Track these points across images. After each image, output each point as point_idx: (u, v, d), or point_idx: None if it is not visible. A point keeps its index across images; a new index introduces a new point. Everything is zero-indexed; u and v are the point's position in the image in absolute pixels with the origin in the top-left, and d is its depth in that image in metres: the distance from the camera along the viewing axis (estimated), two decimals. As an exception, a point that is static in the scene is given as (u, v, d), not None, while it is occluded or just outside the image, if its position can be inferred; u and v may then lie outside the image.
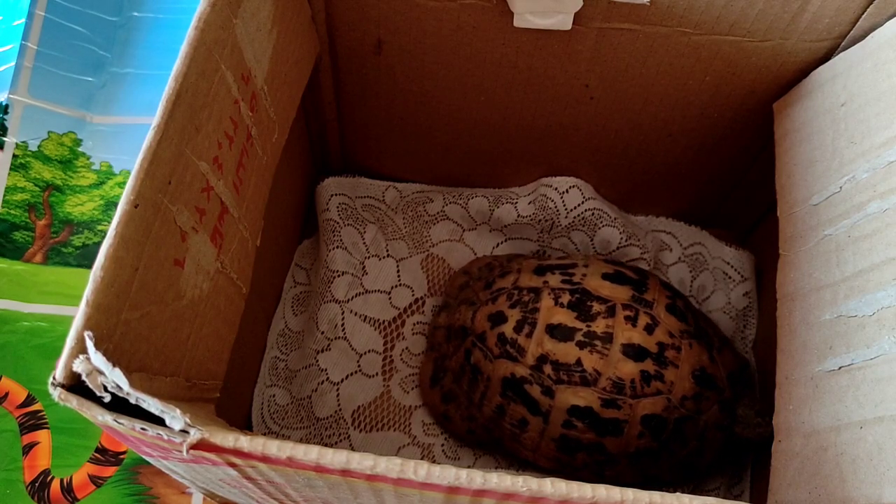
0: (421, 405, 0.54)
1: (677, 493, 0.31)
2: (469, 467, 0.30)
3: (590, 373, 0.46)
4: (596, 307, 0.47)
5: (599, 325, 0.46)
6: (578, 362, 0.46)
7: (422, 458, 0.52)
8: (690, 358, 0.47)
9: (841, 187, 0.38)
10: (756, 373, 0.53)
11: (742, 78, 0.45)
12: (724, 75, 0.45)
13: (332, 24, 0.48)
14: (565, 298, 0.48)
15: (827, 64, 0.42)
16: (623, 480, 0.48)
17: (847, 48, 0.41)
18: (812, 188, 0.41)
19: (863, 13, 0.40)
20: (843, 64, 0.41)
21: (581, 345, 0.46)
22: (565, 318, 0.47)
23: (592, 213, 0.56)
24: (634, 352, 0.46)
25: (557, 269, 0.50)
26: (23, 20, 0.60)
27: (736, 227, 0.59)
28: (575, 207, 0.56)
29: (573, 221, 0.56)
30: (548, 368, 0.46)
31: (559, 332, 0.47)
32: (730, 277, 0.57)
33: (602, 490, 0.31)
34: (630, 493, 0.31)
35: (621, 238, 0.56)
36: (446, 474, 0.30)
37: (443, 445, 0.54)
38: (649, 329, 0.46)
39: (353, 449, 0.30)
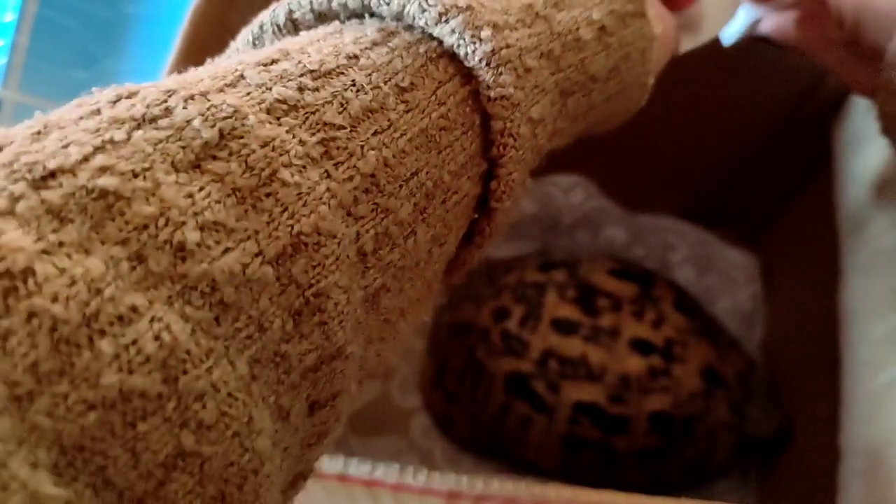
0: (420, 409, 0.54)
1: (683, 499, 0.31)
2: (470, 472, 0.30)
3: (596, 367, 0.45)
4: (602, 302, 0.47)
5: (605, 320, 0.46)
6: (584, 357, 0.45)
7: (421, 464, 0.52)
8: (698, 354, 0.46)
9: (892, 198, 0.38)
10: (764, 374, 0.53)
11: (749, 79, 0.45)
12: (731, 76, 0.45)
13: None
14: (571, 293, 0.47)
15: None
16: (630, 483, 0.47)
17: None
18: (863, 200, 0.40)
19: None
20: None
21: (587, 339, 0.45)
22: (571, 312, 0.46)
23: (596, 212, 0.56)
24: (641, 346, 0.45)
25: (562, 265, 0.50)
26: (14, 16, 0.60)
27: (743, 227, 0.59)
28: (579, 206, 0.55)
29: (577, 220, 0.56)
30: (553, 363, 0.46)
31: (564, 327, 0.46)
32: (736, 279, 0.56)
33: (608, 495, 0.30)
34: (637, 498, 0.30)
35: (626, 237, 0.55)
36: (446, 480, 0.29)
37: (443, 450, 0.53)
38: (656, 324, 0.46)
39: (350, 454, 0.30)
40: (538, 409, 0.46)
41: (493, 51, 0.23)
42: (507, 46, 0.23)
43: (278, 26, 0.25)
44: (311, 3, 0.24)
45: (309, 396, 0.19)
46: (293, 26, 0.25)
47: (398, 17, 0.23)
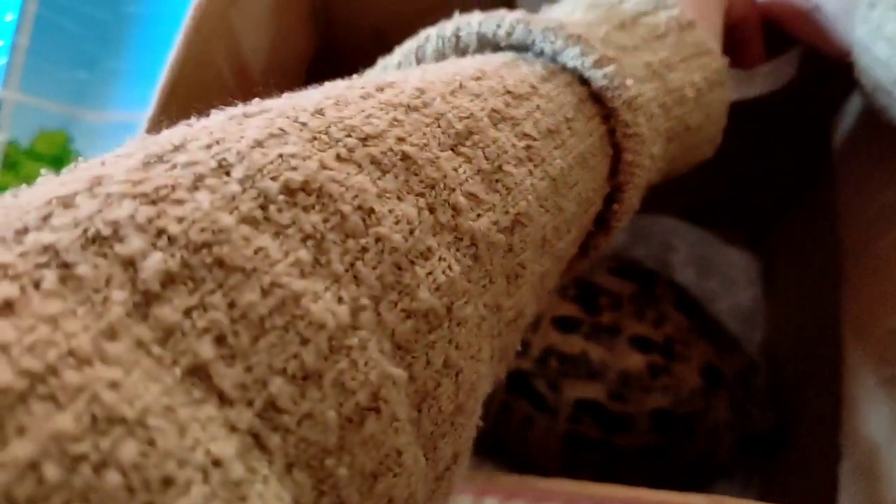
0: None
1: (686, 493, 0.31)
2: (471, 471, 0.30)
3: (597, 365, 0.45)
4: (602, 300, 0.47)
5: (606, 318, 0.46)
6: (585, 355, 0.45)
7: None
8: (699, 353, 0.46)
9: (891, 198, 0.38)
10: (764, 374, 0.53)
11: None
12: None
13: (331, 16, 0.47)
14: (571, 291, 0.47)
15: None
16: (632, 482, 0.47)
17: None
18: (866, 201, 0.40)
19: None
20: None
21: (587, 337, 0.45)
22: (571, 310, 0.46)
23: (596, 213, 0.55)
24: (642, 344, 0.45)
25: (562, 264, 0.50)
26: (14, 16, 0.60)
27: (743, 228, 0.59)
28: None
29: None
30: (553, 362, 0.46)
31: (565, 325, 0.46)
32: (736, 279, 0.57)
33: (609, 488, 0.30)
34: (640, 491, 0.30)
35: (627, 237, 0.55)
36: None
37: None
38: (657, 323, 0.46)
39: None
40: (539, 407, 0.46)
41: (633, 97, 0.27)
42: (641, 95, 0.28)
43: (443, 40, 0.29)
44: (478, 31, 0.29)
45: (503, 345, 0.23)
46: (456, 42, 0.29)
47: (555, 54, 0.28)
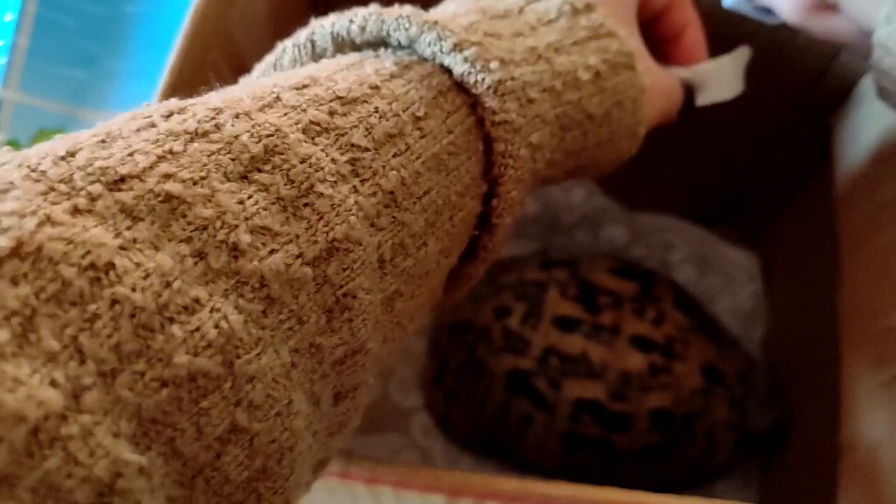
0: (420, 408, 0.54)
1: (685, 496, 0.31)
2: (470, 471, 0.30)
3: (597, 365, 0.45)
4: (602, 300, 0.47)
5: (606, 317, 0.46)
6: (585, 354, 0.45)
7: (421, 462, 0.52)
8: (699, 352, 0.46)
9: (888, 194, 0.38)
10: (764, 373, 0.53)
11: (749, 77, 0.45)
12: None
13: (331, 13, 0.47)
14: (572, 291, 0.47)
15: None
16: (631, 481, 0.47)
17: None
18: (863, 197, 0.40)
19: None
20: None
21: (588, 336, 0.45)
22: (572, 309, 0.46)
23: (596, 211, 0.55)
24: (642, 343, 0.45)
25: (563, 263, 0.50)
26: (14, 16, 0.60)
27: (743, 226, 0.59)
28: (579, 205, 0.55)
29: (577, 219, 0.56)
30: (554, 361, 0.46)
31: (565, 324, 0.46)
32: (736, 278, 0.56)
33: (610, 492, 0.30)
34: (640, 495, 0.30)
35: (626, 236, 0.55)
36: (448, 477, 0.29)
37: (443, 449, 0.53)
38: (657, 322, 0.46)
39: (350, 452, 0.30)
40: (539, 406, 0.46)
41: (499, 80, 0.25)
42: (512, 79, 0.26)
43: (298, 48, 0.27)
44: (332, 31, 0.27)
45: (335, 387, 0.21)
46: (312, 48, 0.27)
47: (412, 43, 0.26)
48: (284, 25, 0.44)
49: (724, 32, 0.42)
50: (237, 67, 0.41)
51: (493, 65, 0.25)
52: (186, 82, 0.36)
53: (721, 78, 0.38)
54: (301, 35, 0.27)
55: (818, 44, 0.42)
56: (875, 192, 0.39)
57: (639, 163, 0.54)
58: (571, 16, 0.30)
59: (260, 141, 0.20)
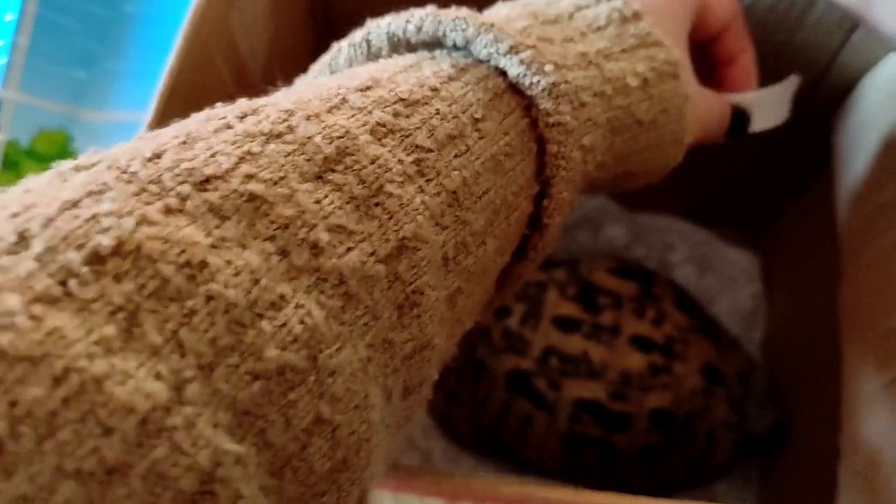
0: (420, 408, 0.54)
1: (684, 500, 0.31)
2: (470, 472, 0.30)
3: (597, 365, 0.45)
4: (602, 300, 0.47)
5: (606, 318, 0.46)
6: (585, 354, 0.45)
7: (421, 464, 0.52)
8: (699, 352, 0.46)
9: (892, 194, 0.38)
10: (764, 374, 0.53)
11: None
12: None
13: (330, 15, 0.47)
14: (571, 291, 0.47)
15: (874, 72, 0.42)
16: (631, 481, 0.47)
17: (860, 41, 0.41)
18: (865, 199, 0.40)
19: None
20: (888, 72, 0.40)
21: (588, 337, 0.45)
22: (572, 309, 0.47)
23: (596, 211, 0.55)
24: (642, 343, 0.45)
25: (563, 263, 0.50)
26: (14, 16, 0.60)
27: (744, 226, 0.58)
28: (579, 205, 0.55)
29: (577, 219, 0.56)
30: (554, 361, 0.46)
31: (565, 324, 0.46)
32: (736, 278, 0.56)
33: (612, 497, 0.30)
34: (642, 500, 0.30)
35: (626, 237, 0.55)
36: (448, 481, 0.29)
37: (443, 450, 0.53)
38: (657, 322, 0.46)
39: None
40: (539, 406, 0.46)
41: (554, 83, 0.26)
42: (566, 82, 0.26)
43: (354, 48, 0.28)
44: (388, 31, 0.27)
45: (405, 381, 0.22)
46: (367, 48, 0.28)
47: (468, 44, 0.26)
48: (284, 25, 0.44)
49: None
50: (237, 67, 0.41)
51: (548, 68, 0.26)
52: (186, 83, 0.36)
53: (771, 106, 0.39)
54: (357, 35, 0.28)
55: (818, 44, 0.42)
56: (876, 194, 0.39)
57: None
58: (620, 23, 0.30)
59: (332, 142, 0.21)
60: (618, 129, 0.29)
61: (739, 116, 0.37)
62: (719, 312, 0.56)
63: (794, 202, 0.53)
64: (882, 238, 0.38)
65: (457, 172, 0.23)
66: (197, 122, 0.21)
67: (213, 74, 0.38)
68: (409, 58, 0.26)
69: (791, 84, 0.40)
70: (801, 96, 0.45)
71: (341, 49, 0.28)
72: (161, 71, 0.35)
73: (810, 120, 0.46)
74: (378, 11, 0.45)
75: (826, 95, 0.45)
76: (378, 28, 0.27)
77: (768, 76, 0.45)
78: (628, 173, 0.32)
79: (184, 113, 0.33)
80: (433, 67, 0.25)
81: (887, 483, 0.34)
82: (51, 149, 0.58)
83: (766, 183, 0.53)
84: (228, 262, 0.17)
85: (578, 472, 0.48)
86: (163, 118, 0.35)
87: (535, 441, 0.47)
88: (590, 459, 0.47)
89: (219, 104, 0.22)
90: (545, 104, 0.25)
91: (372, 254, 0.20)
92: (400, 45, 0.27)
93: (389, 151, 0.22)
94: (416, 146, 0.22)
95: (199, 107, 0.25)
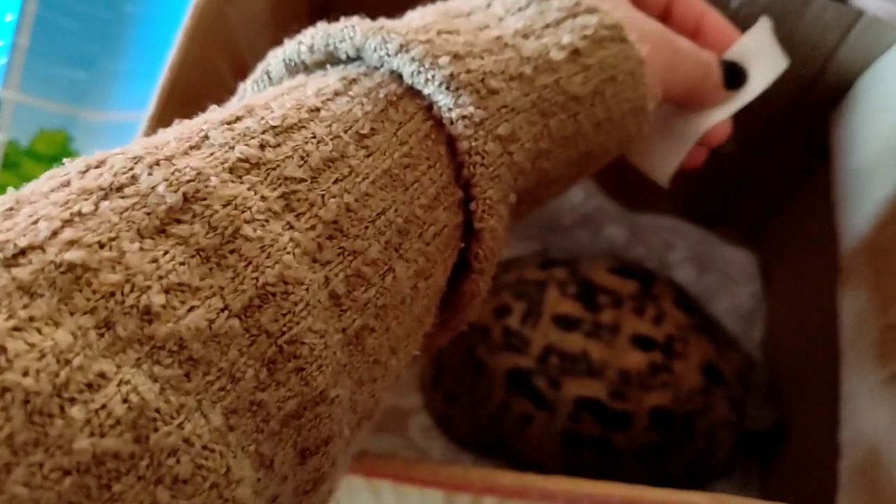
0: (419, 409, 0.54)
1: (685, 491, 0.31)
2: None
3: (597, 363, 0.45)
4: (602, 298, 0.47)
5: (606, 316, 0.46)
6: (585, 353, 0.45)
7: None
8: (698, 351, 0.46)
9: (890, 191, 0.38)
10: (763, 373, 0.53)
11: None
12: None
13: (329, 13, 0.47)
14: (571, 290, 0.47)
15: (871, 69, 0.42)
16: (631, 481, 0.47)
17: (858, 38, 0.41)
18: (863, 196, 0.40)
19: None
20: (885, 70, 0.41)
21: (588, 335, 0.45)
22: (571, 308, 0.46)
23: (596, 211, 0.55)
24: (642, 342, 0.45)
25: (562, 263, 0.50)
26: (14, 16, 0.60)
27: (742, 226, 0.58)
28: (578, 205, 0.55)
29: (577, 219, 0.56)
30: (554, 359, 0.46)
31: (565, 323, 0.46)
32: (735, 278, 0.56)
33: (608, 487, 0.30)
34: (639, 490, 0.30)
35: (626, 236, 0.55)
36: (447, 471, 0.29)
37: (442, 449, 0.53)
38: (657, 320, 0.46)
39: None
40: (539, 405, 0.46)
41: (451, 75, 0.24)
42: (468, 71, 0.24)
43: (256, 84, 0.27)
44: (283, 57, 0.26)
45: (297, 443, 0.20)
46: (268, 79, 0.27)
47: (359, 52, 0.24)
48: (284, 24, 0.44)
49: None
50: (237, 66, 0.41)
51: (443, 60, 0.24)
52: (186, 80, 0.36)
53: (763, 51, 0.36)
54: (258, 69, 0.27)
55: (815, 41, 0.42)
56: (875, 191, 0.39)
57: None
58: (543, 0, 0.28)
59: (178, 189, 0.19)
60: (549, 111, 0.26)
61: (731, 68, 0.34)
62: (719, 311, 0.56)
63: (793, 200, 0.53)
64: (881, 235, 0.38)
65: (335, 199, 0.21)
66: (40, 181, 0.19)
67: (212, 71, 0.39)
68: (298, 79, 0.25)
69: (764, 27, 0.37)
70: (798, 94, 0.45)
71: (246, 89, 0.27)
72: (161, 70, 0.35)
73: (808, 117, 0.47)
74: (378, 8, 0.45)
75: (824, 93, 0.45)
76: (275, 56, 0.26)
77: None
78: (584, 154, 0.29)
79: (183, 110, 0.33)
80: (318, 85, 0.24)
81: (888, 480, 0.34)
82: (51, 149, 0.58)
83: (764, 181, 0.53)
84: (32, 346, 0.15)
85: (578, 472, 0.47)
86: (163, 115, 0.35)
87: (534, 440, 0.47)
88: (589, 458, 0.47)
89: (67, 160, 0.20)
90: (443, 99, 0.24)
91: (223, 309, 0.18)
92: (297, 70, 0.26)
93: (250, 189, 0.20)
94: (285, 178, 0.20)
95: (198, 103, 0.25)
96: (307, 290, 0.19)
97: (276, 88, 0.24)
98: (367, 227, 0.21)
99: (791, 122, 0.48)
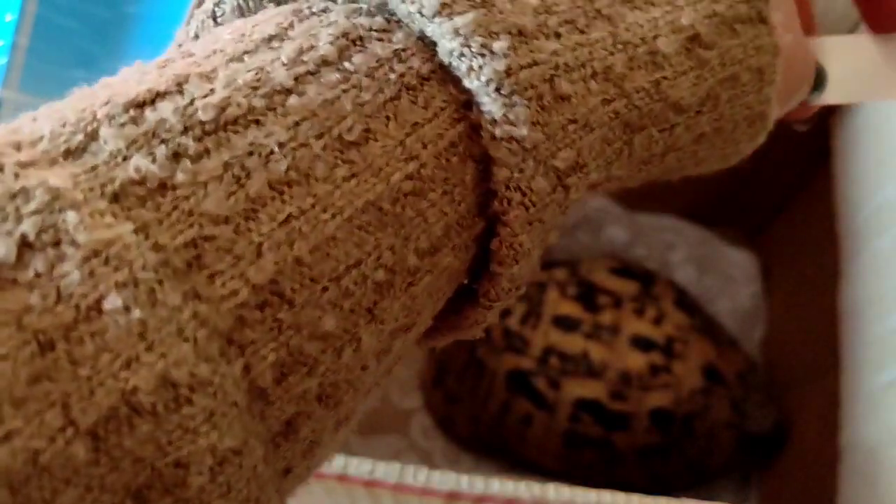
0: (420, 409, 0.54)
1: (683, 499, 0.31)
2: (470, 472, 0.30)
3: (597, 364, 0.45)
4: (602, 299, 0.46)
5: (606, 317, 0.46)
6: (585, 354, 0.45)
7: (421, 463, 0.52)
8: (699, 352, 0.46)
9: (889, 196, 0.38)
10: (764, 374, 0.52)
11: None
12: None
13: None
14: (571, 291, 0.47)
15: None
16: (631, 481, 0.47)
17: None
18: (864, 199, 0.40)
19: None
20: None
21: (588, 336, 0.45)
22: (572, 309, 0.46)
23: (597, 212, 0.55)
24: (642, 343, 0.45)
25: (563, 263, 0.50)
26: (14, 16, 0.60)
27: (743, 227, 0.58)
28: (579, 205, 0.55)
29: (578, 220, 0.56)
30: (554, 360, 0.45)
31: (565, 323, 0.46)
32: (736, 278, 0.56)
33: (607, 495, 0.30)
34: (635, 498, 0.30)
35: (627, 237, 0.55)
36: (446, 479, 0.29)
37: (443, 450, 0.53)
38: (657, 322, 0.46)
39: (350, 454, 0.30)
40: (539, 406, 0.46)
41: (508, 70, 0.16)
42: (533, 64, 0.16)
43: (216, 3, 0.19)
44: None
45: None
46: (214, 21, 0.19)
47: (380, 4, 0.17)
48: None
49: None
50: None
51: (500, 44, 0.16)
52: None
53: (864, 65, 0.26)
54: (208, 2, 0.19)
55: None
56: (875, 194, 0.39)
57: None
58: None
59: (13, 232, 0.13)
60: (637, 124, 0.18)
61: (819, 72, 0.25)
62: (719, 312, 0.55)
63: (794, 202, 0.53)
64: (881, 238, 0.38)
65: (278, 251, 0.14)
66: None
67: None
68: (278, 12, 0.17)
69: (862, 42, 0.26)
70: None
71: (194, 16, 0.19)
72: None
73: (809, 119, 0.46)
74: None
75: (826, 95, 0.45)
76: None
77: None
78: (669, 171, 0.21)
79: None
80: (302, 41, 0.16)
81: (887, 484, 0.34)
82: (51, 149, 0.58)
83: (765, 183, 0.53)
84: None
85: (578, 472, 0.47)
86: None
87: (535, 440, 0.47)
88: (590, 459, 0.47)
89: None
90: (489, 104, 0.16)
91: (52, 439, 0.12)
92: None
93: (138, 231, 0.13)
94: (201, 214, 0.14)
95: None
96: (215, 393, 0.13)
97: (236, 27, 0.17)
98: (324, 290, 0.15)
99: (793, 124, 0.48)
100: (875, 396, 0.36)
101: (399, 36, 0.17)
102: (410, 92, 0.16)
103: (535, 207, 0.17)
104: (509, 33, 0.16)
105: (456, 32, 0.16)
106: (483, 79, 0.16)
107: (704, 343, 0.47)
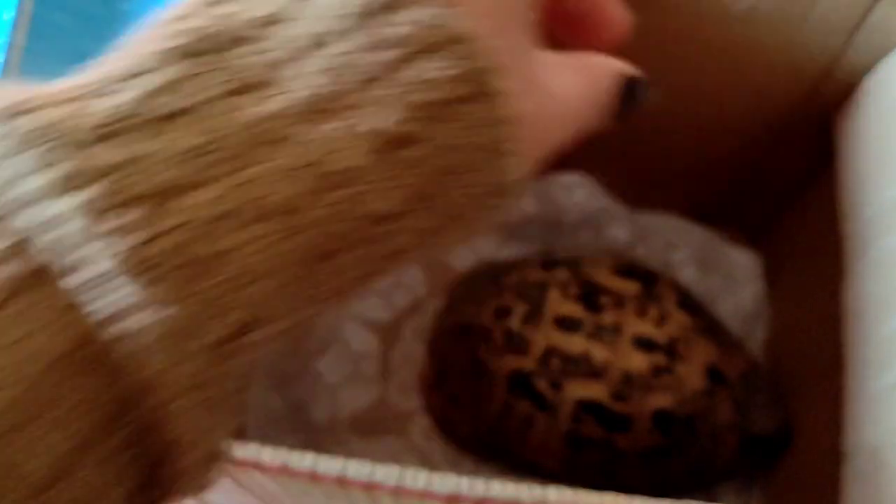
0: (420, 410, 0.54)
1: (685, 501, 0.30)
2: (470, 474, 0.30)
3: (598, 365, 0.45)
4: (604, 299, 0.46)
5: (608, 317, 0.46)
6: (587, 354, 0.45)
7: (421, 465, 0.52)
8: (702, 353, 0.46)
9: (894, 196, 0.38)
10: (767, 375, 0.53)
11: (752, 76, 0.45)
12: (734, 74, 0.45)
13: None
14: (573, 291, 0.47)
15: (878, 69, 0.41)
16: (634, 483, 0.47)
17: (864, 38, 0.40)
18: (869, 199, 0.40)
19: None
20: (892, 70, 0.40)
21: (589, 336, 0.45)
22: (573, 309, 0.46)
23: (598, 211, 0.55)
24: (644, 343, 0.45)
25: (564, 263, 0.50)
26: (11, 15, 0.60)
27: (746, 226, 0.58)
28: (580, 205, 0.55)
29: (579, 219, 0.56)
30: (555, 361, 0.45)
31: (567, 324, 0.46)
32: (739, 278, 0.56)
33: (609, 498, 0.30)
34: (637, 500, 0.30)
35: (629, 236, 0.55)
36: (447, 482, 0.29)
37: (443, 451, 0.53)
38: (659, 322, 0.46)
39: (350, 455, 0.30)
40: (540, 407, 0.46)
41: (133, 249, 0.14)
42: (173, 228, 0.14)
43: None
44: None
45: None
46: None
47: None
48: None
49: (727, 35, 0.42)
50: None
51: (127, 218, 0.14)
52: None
53: None
54: None
55: (822, 42, 0.42)
56: (880, 193, 0.39)
57: (641, 163, 0.53)
58: (363, 17, 0.17)
59: None
60: (323, 251, 0.16)
61: (631, 85, 0.25)
62: (722, 313, 0.55)
63: (798, 202, 0.53)
64: (887, 238, 0.38)
65: None
66: None
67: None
68: None
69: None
70: (804, 94, 0.45)
71: None
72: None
73: (813, 118, 0.46)
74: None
75: (829, 94, 0.45)
76: None
77: (773, 73, 0.45)
78: (404, 262, 0.19)
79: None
80: None
81: (892, 485, 0.34)
82: (48, 148, 0.58)
83: (768, 182, 0.53)
84: None
85: (580, 474, 0.47)
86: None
87: (536, 442, 0.47)
88: (591, 460, 0.47)
89: None
90: (110, 296, 0.14)
91: None
92: None
93: None
94: None
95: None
96: None
97: None
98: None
99: (796, 123, 0.48)
100: (880, 397, 0.36)
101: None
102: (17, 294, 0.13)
103: (194, 392, 0.15)
104: (142, 198, 0.14)
105: (65, 218, 0.13)
106: (99, 268, 0.14)
107: (707, 344, 0.47)
